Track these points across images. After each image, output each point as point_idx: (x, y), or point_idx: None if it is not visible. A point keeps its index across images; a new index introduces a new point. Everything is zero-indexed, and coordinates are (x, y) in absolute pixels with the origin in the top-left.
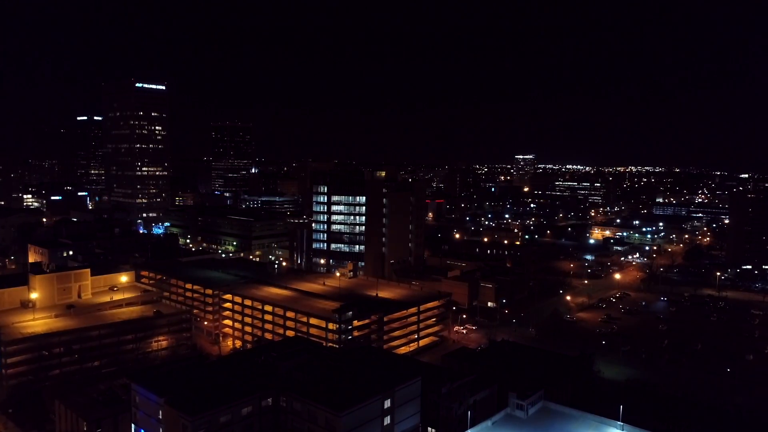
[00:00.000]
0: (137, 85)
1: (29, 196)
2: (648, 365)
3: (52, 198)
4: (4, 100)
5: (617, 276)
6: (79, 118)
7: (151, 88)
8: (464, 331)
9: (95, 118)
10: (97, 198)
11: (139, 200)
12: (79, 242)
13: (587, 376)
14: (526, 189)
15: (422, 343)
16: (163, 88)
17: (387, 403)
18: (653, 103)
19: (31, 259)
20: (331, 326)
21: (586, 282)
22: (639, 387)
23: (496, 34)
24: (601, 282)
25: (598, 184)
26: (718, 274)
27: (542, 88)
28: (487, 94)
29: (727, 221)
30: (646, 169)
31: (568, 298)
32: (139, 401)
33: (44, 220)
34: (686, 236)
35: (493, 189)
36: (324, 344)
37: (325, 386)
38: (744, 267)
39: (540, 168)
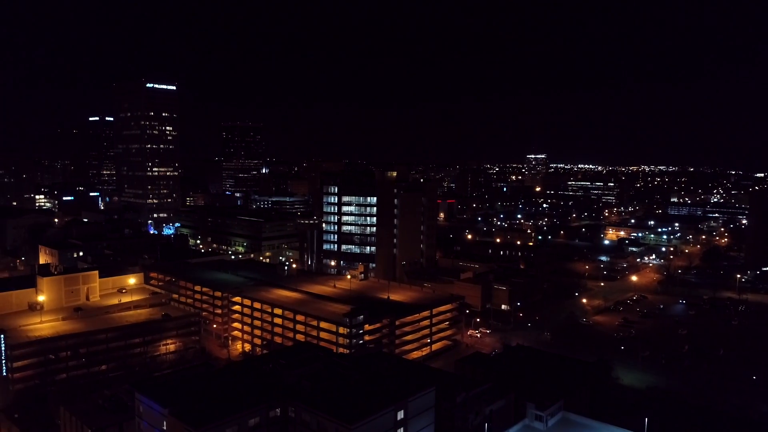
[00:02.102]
0: (148, 85)
1: (41, 196)
2: (668, 371)
3: (64, 198)
4: (17, 101)
5: (633, 278)
6: (91, 119)
7: (162, 89)
8: (479, 335)
9: (107, 118)
10: (107, 198)
11: (149, 201)
12: (89, 243)
13: (606, 383)
14: (538, 189)
15: (435, 347)
16: (174, 88)
17: (400, 415)
18: (664, 102)
19: (41, 260)
20: (341, 330)
21: (601, 284)
22: (660, 395)
23: (508, 32)
24: (617, 284)
25: (612, 184)
26: (738, 276)
27: (553, 86)
28: (498, 93)
29: (744, 221)
30: (660, 169)
31: (584, 300)
32: (143, 411)
33: (56, 220)
34: (703, 237)
35: (504, 189)
36: (334, 349)
37: (335, 396)
38: (764, 269)
39: (552, 168)
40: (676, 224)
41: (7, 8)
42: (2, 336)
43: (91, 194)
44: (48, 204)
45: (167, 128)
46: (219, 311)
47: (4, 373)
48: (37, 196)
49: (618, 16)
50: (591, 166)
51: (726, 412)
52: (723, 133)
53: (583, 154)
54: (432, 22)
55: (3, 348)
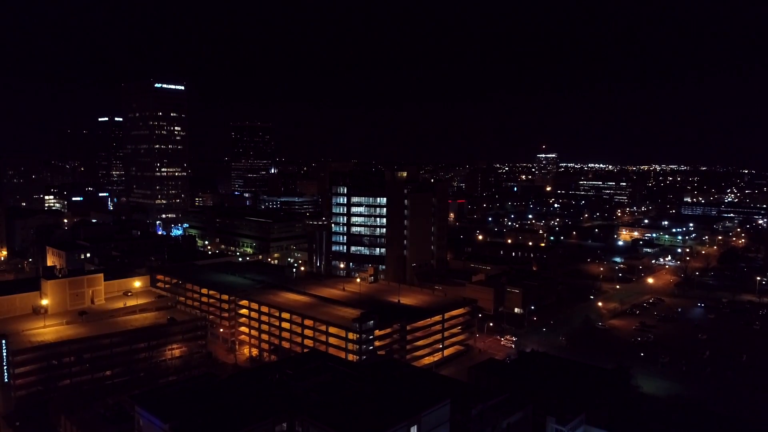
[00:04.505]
0: (156, 85)
1: (51, 197)
2: (689, 378)
3: (73, 199)
4: (26, 101)
5: (649, 280)
6: (100, 119)
7: (170, 89)
8: (512, 345)
9: (116, 119)
10: (116, 199)
11: (158, 201)
12: (97, 244)
13: (626, 392)
14: (548, 188)
15: (447, 352)
16: (182, 88)
17: (413, 430)
18: (673, 100)
19: (49, 262)
20: (351, 336)
21: (617, 286)
22: (683, 404)
23: (516, 30)
24: (633, 286)
25: (623, 184)
26: (758, 278)
27: (562, 85)
28: (507, 92)
29: (761, 222)
30: (671, 168)
31: (600, 304)
32: (142, 425)
33: (65, 221)
34: (719, 237)
35: (515, 188)
36: (344, 355)
37: (345, 410)
38: None
39: (562, 167)
40: (691, 224)
41: (15, 8)
42: (4, 341)
43: (100, 195)
44: (57, 205)
45: (176, 128)
46: (226, 315)
47: (6, 380)
48: (46, 197)
49: (627, 13)
50: (602, 165)
51: (755, 424)
52: (734, 132)
53: (593, 153)
54: (440, 21)
55: (5, 353)
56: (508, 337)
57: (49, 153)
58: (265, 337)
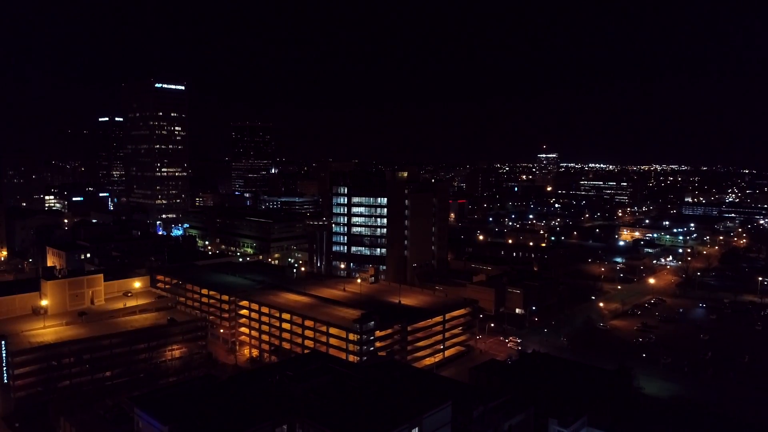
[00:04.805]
0: (156, 85)
1: (51, 197)
2: (692, 380)
3: (74, 199)
4: (28, 101)
5: (651, 280)
6: (100, 119)
7: (171, 89)
8: (518, 348)
9: (116, 119)
10: (116, 199)
11: (158, 201)
12: (97, 245)
13: (628, 393)
14: (549, 188)
15: (447, 353)
16: (182, 88)
17: None
18: (673, 100)
19: (49, 262)
20: (351, 337)
21: (618, 287)
22: (685, 406)
23: (516, 30)
24: (634, 287)
25: (624, 184)
26: (760, 279)
27: (562, 85)
28: (508, 92)
29: (762, 222)
30: (672, 168)
31: (601, 304)
32: (142, 427)
33: (65, 221)
34: (720, 238)
35: (515, 189)
36: (344, 356)
37: (346, 412)
38: None
39: (563, 167)
40: (692, 224)
41: (16, 8)
42: (3, 342)
43: (100, 195)
44: (57, 205)
45: (176, 128)
46: (226, 316)
47: (6, 381)
48: (46, 197)
49: (627, 13)
50: (602, 165)
51: (757, 425)
52: (734, 132)
53: (593, 153)
54: (440, 21)
55: (4, 354)
56: (512, 338)
57: (49, 153)
58: (265, 337)
